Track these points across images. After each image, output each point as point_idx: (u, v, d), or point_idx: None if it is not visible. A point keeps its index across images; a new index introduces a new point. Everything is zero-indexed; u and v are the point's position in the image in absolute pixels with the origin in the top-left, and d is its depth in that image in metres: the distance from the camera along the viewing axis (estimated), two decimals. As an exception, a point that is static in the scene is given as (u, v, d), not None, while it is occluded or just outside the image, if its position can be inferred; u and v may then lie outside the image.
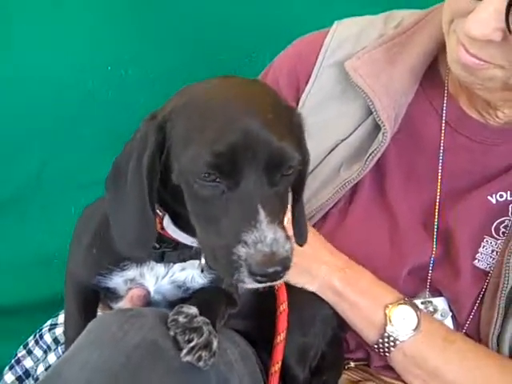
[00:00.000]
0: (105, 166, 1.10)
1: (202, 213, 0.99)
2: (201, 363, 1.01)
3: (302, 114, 1.08)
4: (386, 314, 1.33)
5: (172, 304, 1.09)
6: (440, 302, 1.39)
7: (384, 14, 1.52)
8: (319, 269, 1.37)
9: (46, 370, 1.58)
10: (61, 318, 1.62)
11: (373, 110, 1.39)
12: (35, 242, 2.06)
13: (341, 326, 1.40)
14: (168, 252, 1.15)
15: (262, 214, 0.93)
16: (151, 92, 1.92)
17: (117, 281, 1.19)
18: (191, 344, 1.01)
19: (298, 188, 1.11)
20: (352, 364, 1.45)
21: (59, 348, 1.57)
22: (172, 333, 1.03)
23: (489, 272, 1.35)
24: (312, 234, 1.29)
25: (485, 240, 1.36)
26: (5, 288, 2.08)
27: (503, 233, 1.36)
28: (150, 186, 0.99)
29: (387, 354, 1.34)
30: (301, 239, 1.13)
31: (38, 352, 1.64)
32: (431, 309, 1.38)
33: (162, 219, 1.10)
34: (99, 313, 1.30)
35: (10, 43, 1.87)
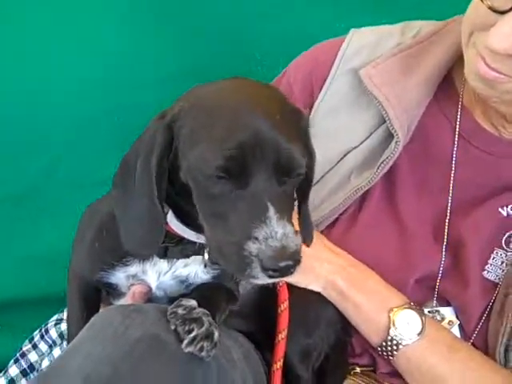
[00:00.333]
0: (116, 164, 1.11)
1: (210, 210, 1.00)
2: (203, 353, 1.02)
3: (308, 117, 1.10)
4: (390, 317, 1.33)
5: (173, 300, 1.10)
6: (447, 312, 1.39)
7: (401, 23, 1.53)
8: (321, 267, 1.37)
9: (50, 364, 1.58)
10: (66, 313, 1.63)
11: (386, 118, 1.39)
12: (44, 239, 2.07)
13: (346, 329, 1.41)
14: (171, 247, 1.15)
15: (272, 211, 0.95)
16: (163, 93, 1.92)
17: (119, 276, 1.20)
18: (192, 334, 1.01)
19: (304, 189, 1.12)
20: (357, 369, 1.44)
21: (64, 343, 1.58)
22: (172, 325, 1.03)
23: (498, 283, 1.35)
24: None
25: (495, 252, 1.36)
26: (12, 282, 2.09)
27: None
28: (158, 185, 1.01)
29: (391, 357, 1.34)
30: (307, 240, 1.14)
31: (43, 346, 1.65)
32: (438, 318, 1.39)
33: (166, 214, 1.11)
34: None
35: (27, 43, 1.89)
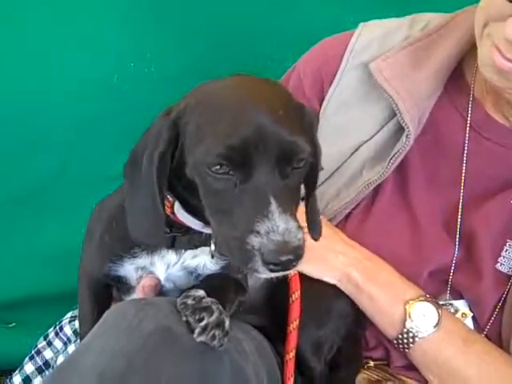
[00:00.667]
0: (122, 162, 1.12)
1: (215, 205, 1.01)
2: (215, 342, 1.02)
3: (313, 113, 1.10)
4: (405, 310, 1.33)
5: (183, 292, 1.10)
6: (461, 304, 1.39)
7: (410, 16, 1.52)
8: (336, 259, 1.38)
9: (65, 361, 1.59)
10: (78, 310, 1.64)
11: (397, 111, 1.39)
12: (56, 236, 2.08)
13: (359, 322, 1.41)
14: (178, 237, 1.17)
15: (274, 205, 0.96)
16: (174, 89, 1.93)
17: (128, 268, 1.22)
18: (203, 323, 1.02)
19: (310, 182, 1.13)
20: (371, 363, 1.45)
21: (79, 340, 1.59)
22: (183, 316, 1.04)
23: (511, 276, 1.34)
24: (326, 226, 1.30)
25: (508, 244, 1.36)
26: (26, 280, 2.11)
27: None
28: (159, 180, 1.03)
29: (407, 349, 1.34)
30: (315, 234, 1.15)
31: (57, 343, 1.65)
32: (452, 310, 1.39)
33: (173, 204, 1.12)
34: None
35: (36, 40, 1.90)
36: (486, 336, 1.36)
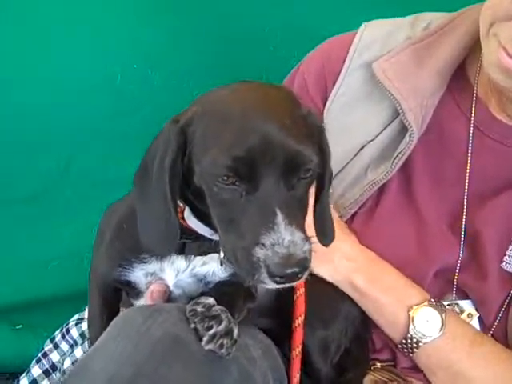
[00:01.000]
0: (130, 162, 1.13)
1: (222, 215, 1.01)
2: (223, 350, 1.03)
3: (320, 118, 1.09)
4: (409, 316, 1.33)
5: (192, 299, 1.11)
6: (466, 305, 1.39)
7: (412, 16, 1.52)
8: (340, 261, 1.38)
9: (72, 364, 1.60)
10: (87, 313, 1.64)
11: (400, 111, 1.39)
12: (62, 238, 2.08)
13: (365, 323, 1.41)
14: (188, 243, 1.17)
15: (280, 217, 0.95)
16: (177, 90, 1.94)
17: (137, 274, 1.22)
18: (211, 331, 1.03)
19: (318, 190, 1.12)
20: (378, 364, 1.44)
21: (86, 342, 1.59)
22: (192, 323, 1.05)
23: None
24: (339, 229, 1.28)
25: None
26: (32, 283, 2.12)
27: None
28: (171, 186, 1.03)
29: (411, 354, 1.34)
30: (325, 239, 1.14)
31: (64, 346, 1.66)
32: (457, 310, 1.39)
33: (183, 210, 1.12)
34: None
35: (40, 40, 1.90)
36: (493, 336, 1.36)
